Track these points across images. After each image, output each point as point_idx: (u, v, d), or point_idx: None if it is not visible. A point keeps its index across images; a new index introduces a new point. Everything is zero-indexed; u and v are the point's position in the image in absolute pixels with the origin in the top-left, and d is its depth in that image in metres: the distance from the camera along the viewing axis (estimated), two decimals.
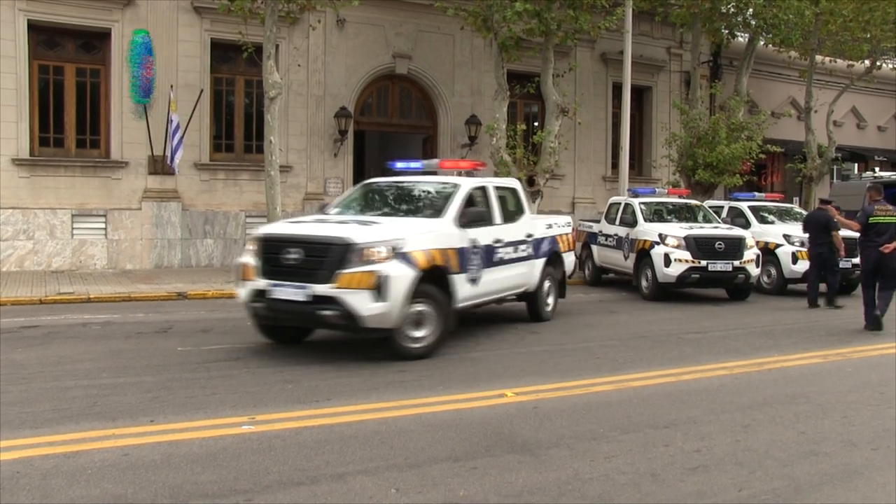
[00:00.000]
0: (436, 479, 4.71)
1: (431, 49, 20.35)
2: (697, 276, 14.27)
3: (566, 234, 12.38)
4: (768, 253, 15.87)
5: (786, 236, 15.88)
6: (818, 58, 23.85)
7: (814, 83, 23.64)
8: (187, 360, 8.17)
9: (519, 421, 6.04)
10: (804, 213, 17.48)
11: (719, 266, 14.26)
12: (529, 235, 11.02)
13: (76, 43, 17.04)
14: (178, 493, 4.44)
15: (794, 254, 15.59)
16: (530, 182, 17.55)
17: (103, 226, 16.82)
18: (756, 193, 19.22)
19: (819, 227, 13.83)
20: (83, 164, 16.75)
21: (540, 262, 11.22)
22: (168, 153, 16.29)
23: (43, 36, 16.67)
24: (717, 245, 14.36)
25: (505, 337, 10.07)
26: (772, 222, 16.92)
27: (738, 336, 10.55)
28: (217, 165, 18.08)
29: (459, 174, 10.66)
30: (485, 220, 9.88)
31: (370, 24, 19.43)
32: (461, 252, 9.04)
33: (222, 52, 18.05)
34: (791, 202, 21.58)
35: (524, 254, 10.79)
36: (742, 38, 23.01)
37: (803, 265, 15.22)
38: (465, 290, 9.12)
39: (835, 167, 26.23)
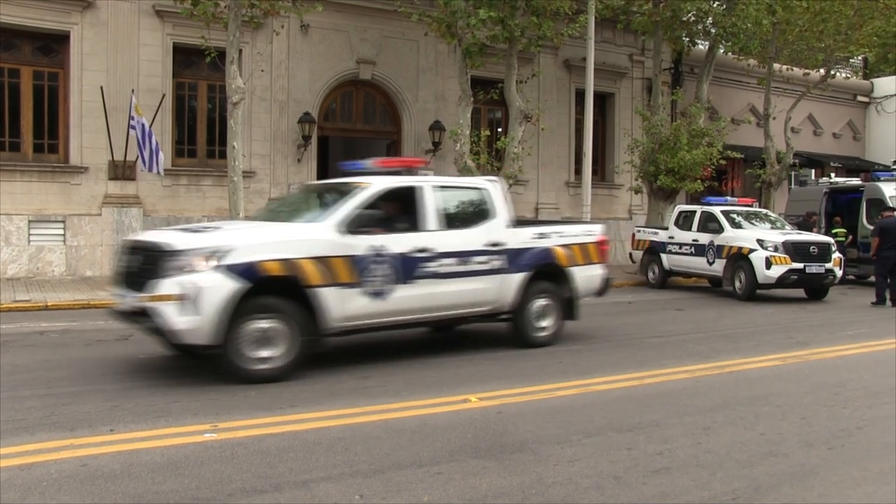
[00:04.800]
0: (400, 485, 4.70)
1: (395, 55, 20.35)
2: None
3: (580, 244, 10.32)
4: (741, 258, 15.85)
5: (759, 241, 15.67)
6: (776, 66, 24.38)
7: (772, 91, 24.13)
8: (148, 367, 8.06)
9: (483, 426, 6.05)
10: (774, 216, 17.99)
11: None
12: (495, 245, 9.30)
13: (33, 45, 16.75)
14: (139, 503, 4.38)
15: (767, 259, 15.37)
16: None
17: (62, 232, 16.53)
18: (728, 198, 19.30)
19: (891, 233, 15.16)
20: (41, 170, 16.45)
21: (517, 277, 9.46)
22: (145, 157, 15.87)
23: None
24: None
25: (469, 342, 10.08)
26: (743, 227, 16.75)
27: (700, 340, 10.67)
28: (179, 171, 17.88)
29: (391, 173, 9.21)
30: (394, 224, 8.53)
31: (334, 30, 19.39)
32: (352, 261, 7.96)
33: (185, 57, 17.88)
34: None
35: (485, 266, 9.20)
36: (702, 46, 23.35)
37: (778, 270, 15.32)
38: (355, 306, 7.99)
39: (793, 173, 26.70)
